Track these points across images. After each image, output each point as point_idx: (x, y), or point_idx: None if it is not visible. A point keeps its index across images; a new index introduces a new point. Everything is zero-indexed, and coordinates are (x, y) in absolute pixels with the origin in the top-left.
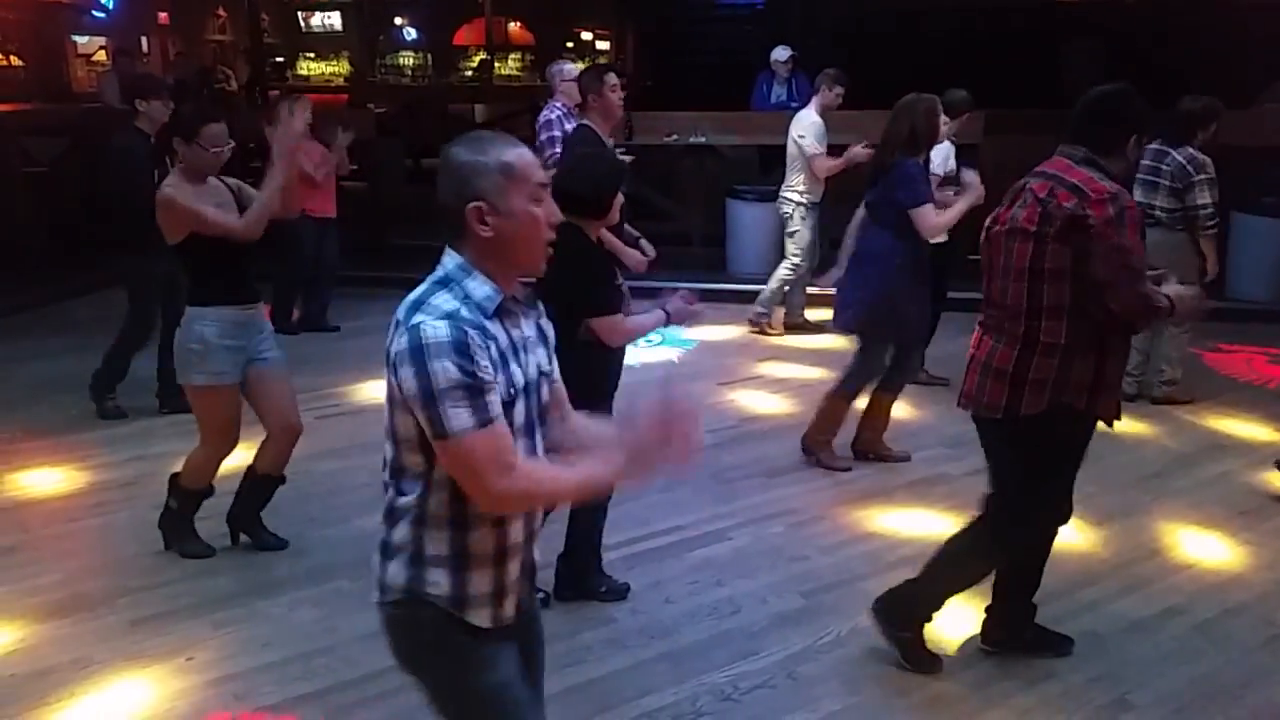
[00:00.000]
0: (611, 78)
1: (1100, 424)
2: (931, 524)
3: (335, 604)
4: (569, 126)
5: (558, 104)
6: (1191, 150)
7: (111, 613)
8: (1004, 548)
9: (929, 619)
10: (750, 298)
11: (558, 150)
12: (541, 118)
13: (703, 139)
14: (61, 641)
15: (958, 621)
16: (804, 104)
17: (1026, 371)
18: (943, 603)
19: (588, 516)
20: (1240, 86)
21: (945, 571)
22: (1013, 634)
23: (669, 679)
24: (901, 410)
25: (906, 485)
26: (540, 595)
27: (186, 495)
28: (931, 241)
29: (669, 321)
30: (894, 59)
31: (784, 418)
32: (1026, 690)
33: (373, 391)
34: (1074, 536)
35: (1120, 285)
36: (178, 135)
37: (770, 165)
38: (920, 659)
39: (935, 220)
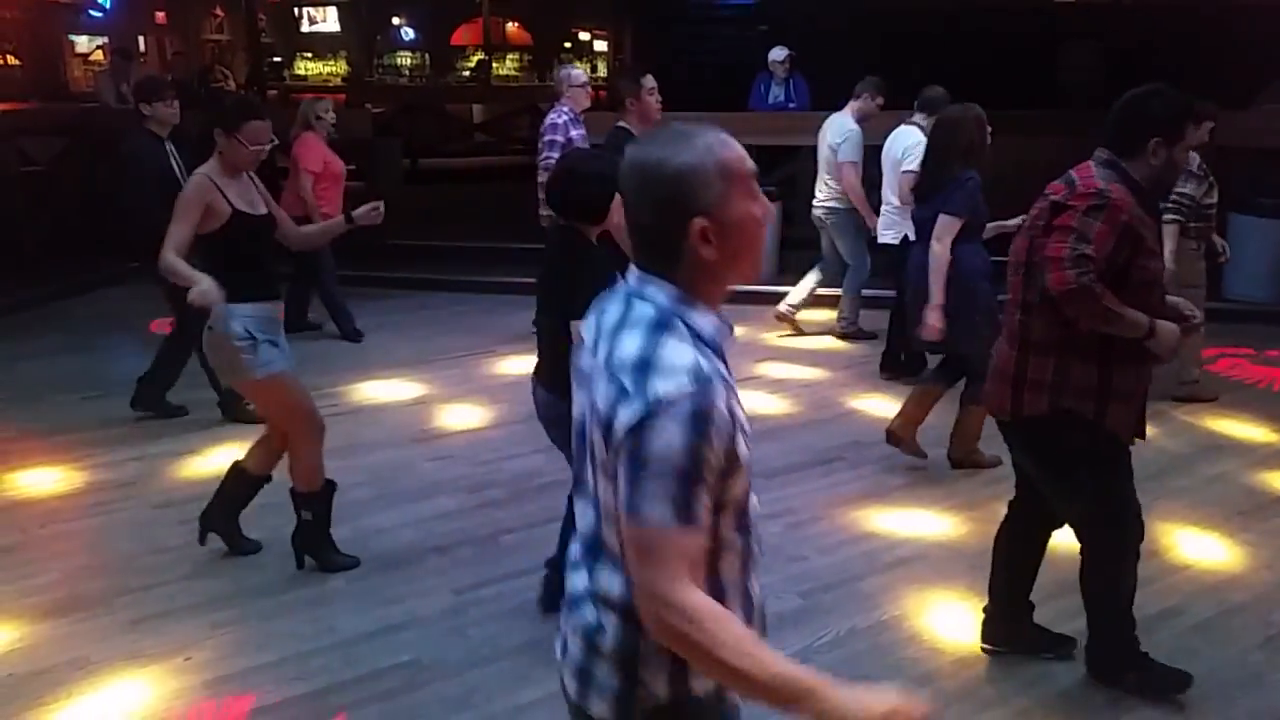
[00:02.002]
0: (649, 80)
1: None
2: (931, 524)
3: (332, 604)
4: (574, 133)
5: (564, 108)
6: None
7: (109, 613)
8: (1106, 555)
9: (1136, 646)
10: (747, 298)
11: (554, 155)
12: (546, 120)
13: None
14: (59, 641)
15: (953, 623)
16: (801, 105)
17: (1025, 371)
18: (1132, 627)
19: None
20: (1236, 88)
21: (1105, 606)
22: (1011, 633)
23: None
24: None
25: (904, 485)
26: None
27: (313, 499)
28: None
29: None
30: (891, 60)
31: (782, 418)
32: (1024, 691)
33: (370, 391)
34: (1071, 538)
35: (1059, 265)
36: (219, 126)
37: (769, 165)
38: (1163, 685)
39: (944, 245)
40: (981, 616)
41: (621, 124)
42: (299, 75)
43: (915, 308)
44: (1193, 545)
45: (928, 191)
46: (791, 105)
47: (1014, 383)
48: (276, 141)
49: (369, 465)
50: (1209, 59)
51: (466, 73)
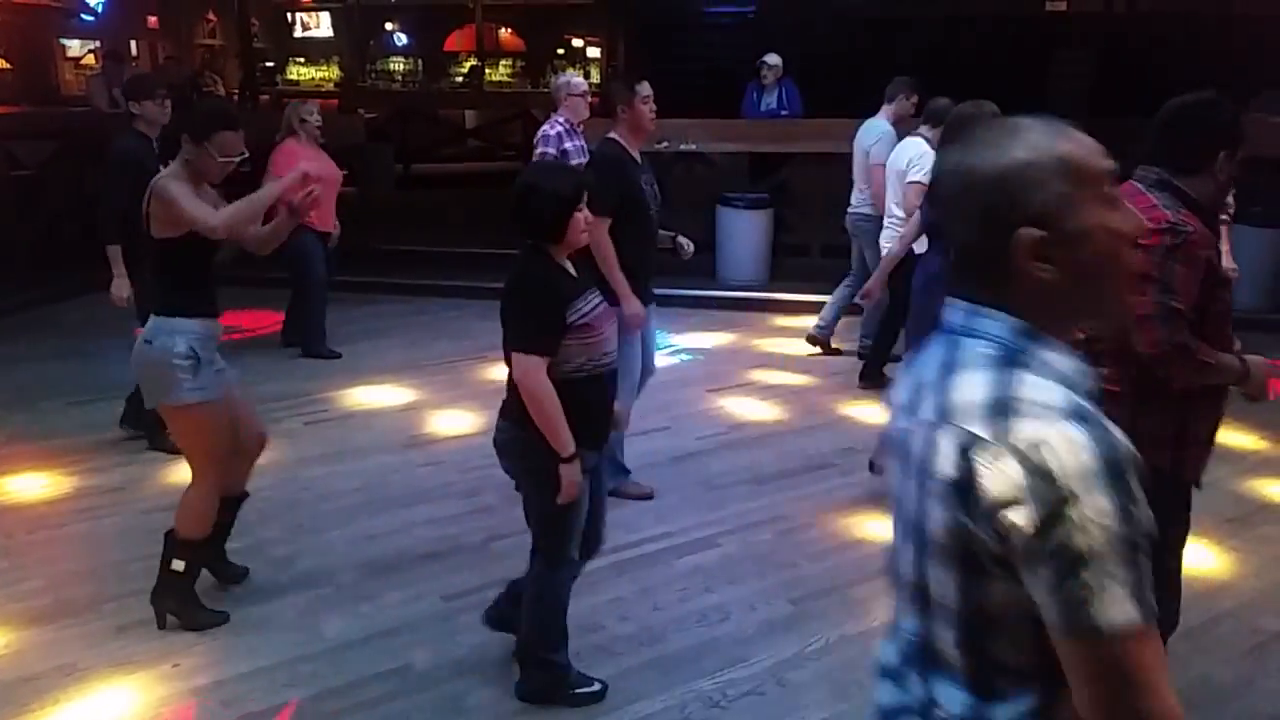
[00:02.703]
0: (644, 88)
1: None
2: None
3: (322, 610)
4: (569, 144)
5: (560, 118)
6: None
7: (98, 619)
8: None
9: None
10: (740, 304)
11: None
12: (541, 131)
13: (693, 146)
14: (46, 648)
15: None
16: (793, 112)
17: None
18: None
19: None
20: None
21: None
22: None
23: (657, 686)
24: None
25: None
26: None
27: (192, 547)
28: None
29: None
30: (884, 68)
31: (774, 425)
32: None
33: (361, 397)
34: None
35: (1149, 324)
36: (187, 132)
37: (760, 172)
38: None
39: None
40: None
41: (611, 135)
42: (291, 80)
43: (920, 321)
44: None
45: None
46: (784, 112)
47: None
48: (247, 154)
49: (360, 471)
50: (1200, 69)
51: (459, 78)
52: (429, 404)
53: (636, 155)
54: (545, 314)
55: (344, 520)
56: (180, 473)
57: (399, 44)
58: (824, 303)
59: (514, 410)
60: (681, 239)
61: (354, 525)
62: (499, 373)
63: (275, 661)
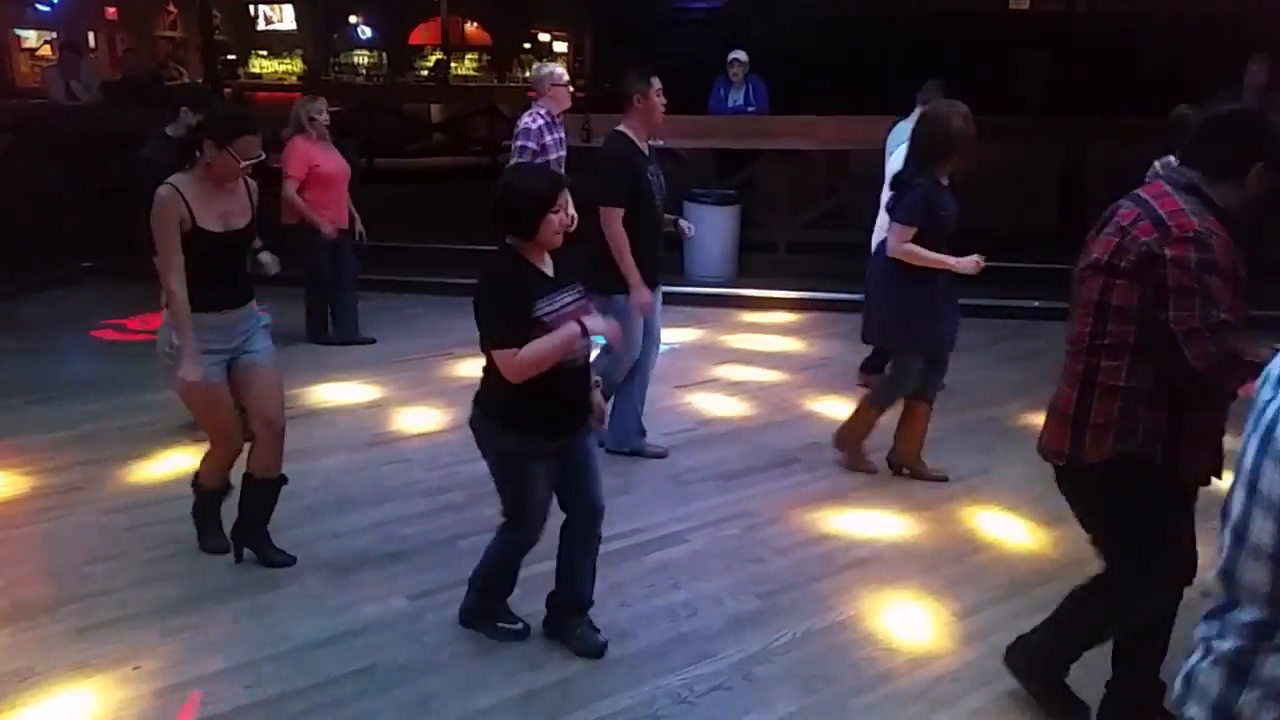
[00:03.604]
0: (657, 81)
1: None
2: (886, 525)
3: (287, 610)
4: (550, 137)
5: (541, 109)
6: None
7: (55, 621)
8: (1116, 613)
9: (1065, 672)
10: (708, 301)
11: (525, 160)
12: (520, 123)
13: (661, 142)
14: (3, 652)
15: (908, 623)
16: (760, 108)
17: (1087, 415)
18: (1077, 656)
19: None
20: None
21: (1073, 625)
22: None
23: (625, 683)
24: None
25: (861, 487)
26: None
27: (204, 494)
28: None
29: (585, 334)
30: (850, 66)
31: (741, 421)
32: (976, 690)
33: (326, 394)
34: (1024, 537)
35: (1199, 338)
36: (211, 137)
37: (727, 169)
38: (1060, 709)
39: (902, 247)
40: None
41: (621, 129)
42: (254, 73)
43: (873, 313)
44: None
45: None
46: (751, 109)
47: (1074, 425)
48: (264, 156)
49: (324, 469)
50: (1159, 70)
51: (424, 72)
52: (395, 401)
53: (644, 148)
54: (512, 311)
55: (308, 519)
56: (139, 471)
57: (363, 37)
58: (792, 299)
59: (483, 398)
60: (682, 222)
61: (318, 524)
62: (466, 369)
63: (239, 662)
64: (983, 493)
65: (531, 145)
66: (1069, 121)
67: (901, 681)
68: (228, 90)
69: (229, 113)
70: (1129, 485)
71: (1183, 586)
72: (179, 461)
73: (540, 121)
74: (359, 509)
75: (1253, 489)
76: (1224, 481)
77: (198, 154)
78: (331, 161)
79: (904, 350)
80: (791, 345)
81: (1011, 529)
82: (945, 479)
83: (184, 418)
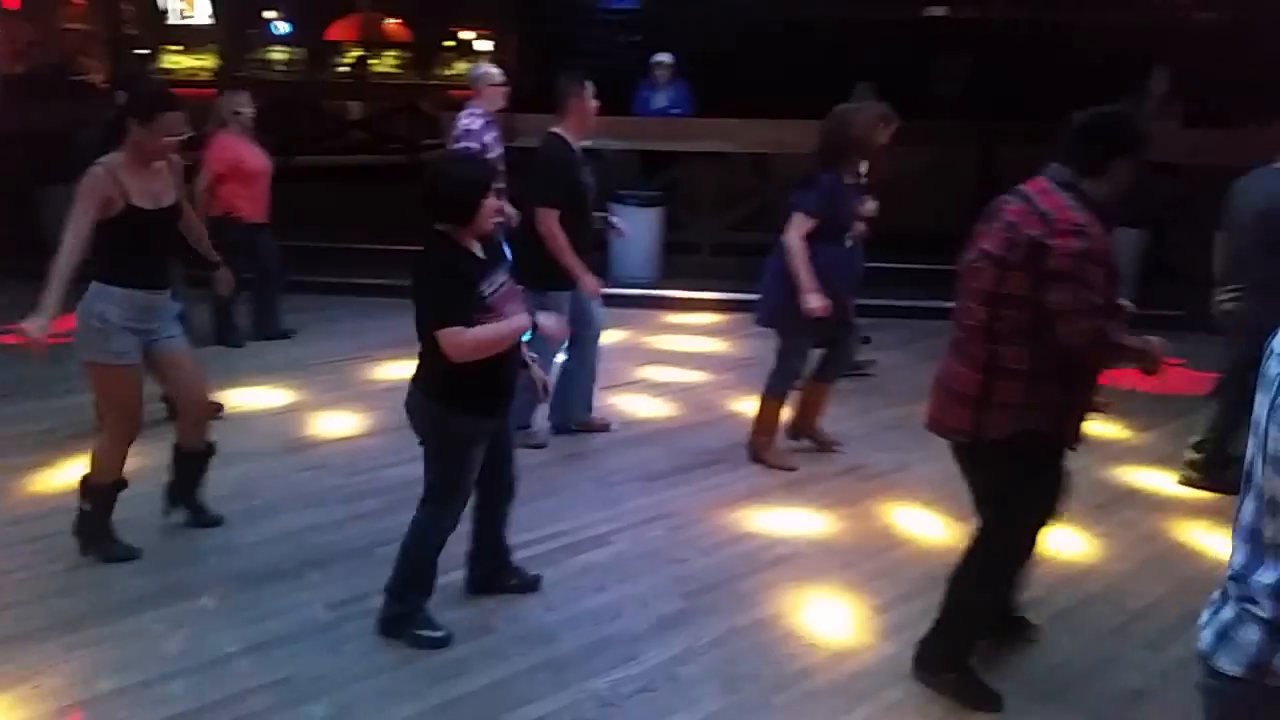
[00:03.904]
0: (590, 83)
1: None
2: (807, 522)
3: (198, 623)
4: (488, 137)
5: (478, 110)
6: None
7: None
8: (1000, 570)
9: (969, 655)
10: (632, 302)
11: None
12: (460, 125)
13: (586, 142)
14: None
15: (827, 619)
16: (685, 111)
17: (991, 395)
18: (975, 636)
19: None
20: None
21: (970, 607)
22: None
23: (549, 687)
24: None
25: (782, 485)
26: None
27: (98, 492)
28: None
29: (535, 331)
30: (772, 70)
31: (664, 421)
32: (895, 684)
33: (238, 399)
34: (940, 532)
35: (1076, 317)
36: (134, 116)
37: (651, 170)
38: (975, 697)
39: (795, 239)
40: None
41: (556, 130)
42: (166, 68)
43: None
44: (1053, 538)
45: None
46: (675, 111)
47: (977, 405)
48: (191, 133)
49: (237, 476)
50: (1069, 76)
51: (343, 69)
52: (310, 405)
53: (578, 149)
54: (457, 293)
55: (220, 528)
56: (39, 482)
57: (280, 32)
58: (716, 300)
59: (423, 380)
60: (613, 219)
61: (230, 533)
62: (386, 372)
63: (147, 678)
64: (900, 489)
65: (475, 145)
66: (983, 125)
67: (823, 677)
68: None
69: (151, 90)
70: (1024, 455)
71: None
72: (82, 470)
73: (480, 121)
74: (273, 517)
75: (1263, 448)
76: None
77: (125, 134)
78: (256, 157)
79: (790, 334)
80: (715, 346)
81: (928, 524)
82: (839, 447)
83: (87, 425)
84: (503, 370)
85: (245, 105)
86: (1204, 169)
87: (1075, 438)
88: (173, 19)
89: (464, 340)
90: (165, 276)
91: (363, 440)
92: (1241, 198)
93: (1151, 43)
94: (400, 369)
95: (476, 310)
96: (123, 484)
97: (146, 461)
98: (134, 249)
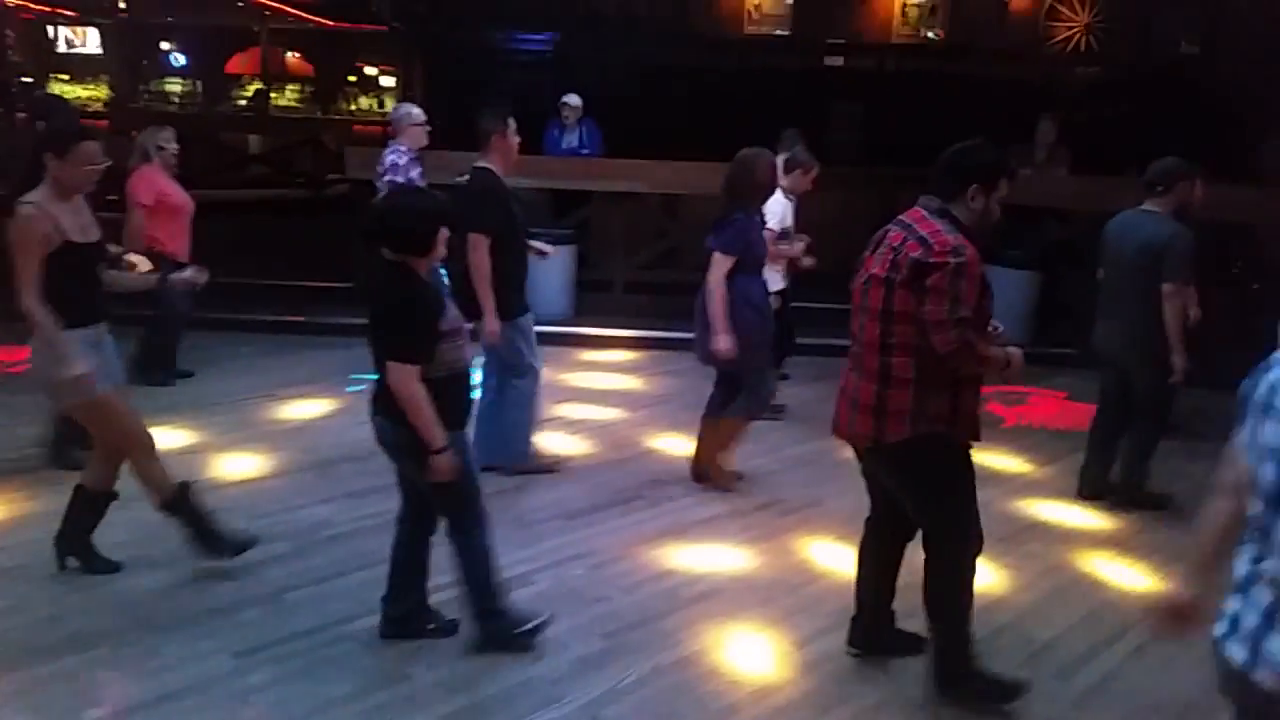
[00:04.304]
0: (512, 121)
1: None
2: (726, 558)
3: (97, 674)
4: (414, 172)
5: (402, 146)
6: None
7: None
8: (955, 563)
9: (974, 657)
10: (546, 339)
11: None
12: (386, 160)
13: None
14: None
15: (750, 654)
16: (594, 150)
17: (885, 403)
18: (969, 635)
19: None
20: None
21: (949, 614)
22: (875, 638)
23: None
24: (694, 449)
25: (701, 521)
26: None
27: (188, 502)
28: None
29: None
30: (676, 112)
31: (582, 459)
32: (817, 718)
33: None
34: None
35: (944, 328)
36: (49, 150)
37: (563, 209)
38: (1004, 692)
39: (716, 280)
40: (849, 625)
41: (482, 164)
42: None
43: (701, 330)
44: None
45: (718, 219)
46: (585, 151)
47: (875, 413)
48: (110, 162)
49: (134, 521)
50: (963, 123)
51: (242, 102)
52: (212, 446)
53: (506, 182)
54: (424, 328)
55: (118, 575)
56: None
57: (176, 64)
58: (629, 338)
59: (393, 408)
60: (539, 244)
61: (130, 580)
62: (290, 412)
63: None
64: (815, 523)
65: (400, 179)
66: (880, 171)
67: (747, 714)
68: (22, 115)
69: (60, 122)
70: (928, 456)
71: (974, 555)
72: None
73: (405, 158)
74: (174, 564)
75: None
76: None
77: (42, 170)
78: (179, 193)
79: (746, 365)
80: (629, 383)
81: (843, 558)
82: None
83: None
84: (458, 386)
85: (169, 141)
86: (1089, 214)
87: (972, 436)
88: (60, 47)
89: (413, 391)
90: (100, 309)
91: (267, 482)
92: (1117, 238)
93: (1037, 94)
94: (306, 408)
95: (438, 342)
96: (114, 495)
97: (38, 506)
98: (72, 287)
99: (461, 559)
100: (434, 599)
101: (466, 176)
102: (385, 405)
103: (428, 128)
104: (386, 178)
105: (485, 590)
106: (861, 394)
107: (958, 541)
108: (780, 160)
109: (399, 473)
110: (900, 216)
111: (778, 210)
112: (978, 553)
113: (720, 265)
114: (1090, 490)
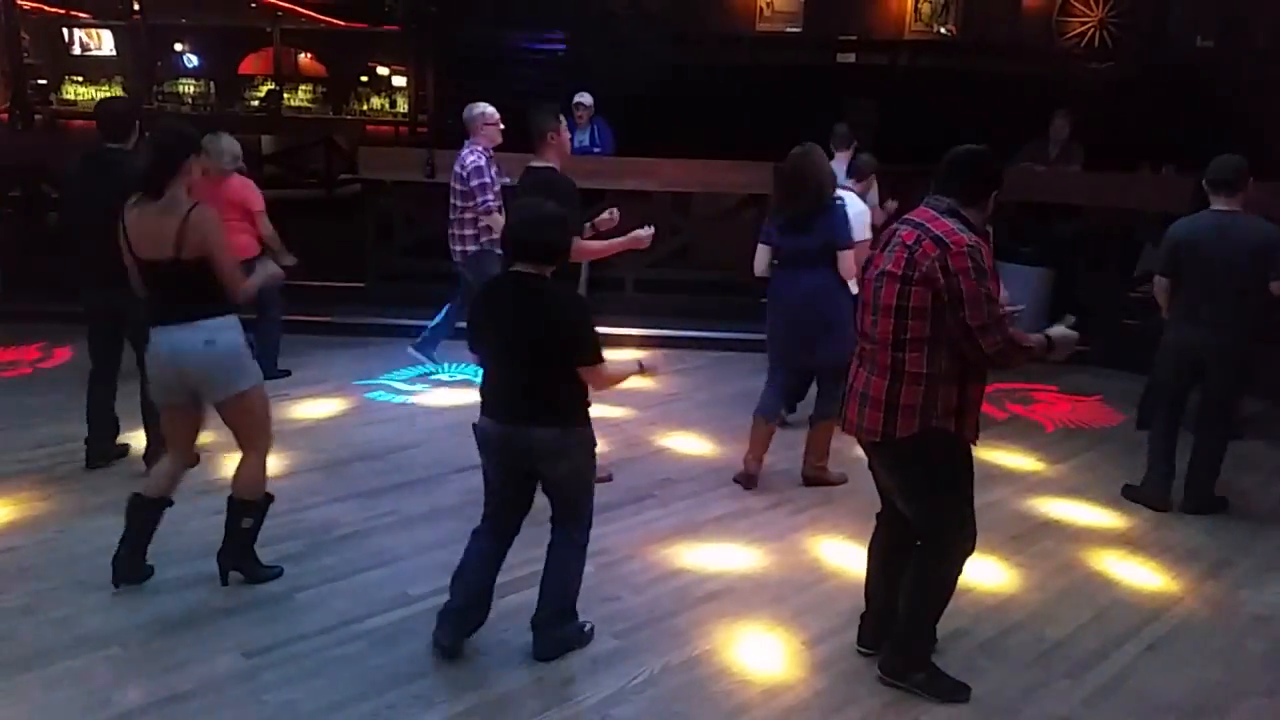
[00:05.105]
0: (563, 117)
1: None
2: (737, 557)
3: (107, 674)
4: (493, 173)
5: (479, 146)
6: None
7: None
8: (949, 559)
9: (931, 651)
10: None
11: (490, 199)
12: (469, 162)
13: (506, 179)
14: None
15: (760, 654)
16: (605, 149)
17: (897, 398)
18: (933, 631)
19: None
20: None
21: (926, 609)
22: (885, 636)
23: None
24: (706, 448)
25: (712, 520)
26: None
27: (256, 507)
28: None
29: (641, 372)
30: (690, 111)
31: None
32: (826, 717)
33: (144, 440)
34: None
35: (991, 330)
36: (194, 152)
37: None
38: (946, 690)
39: (853, 270)
40: (859, 624)
41: (549, 164)
42: (68, 100)
43: (817, 331)
44: (974, 569)
45: (801, 219)
46: (596, 150)
47: (886, 408)
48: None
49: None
50: (977, 120)
51: (255, 103)
52: (222, 446)
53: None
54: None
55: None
56: None
57: (189, 65)
58: (640, 336)
59: (559, 414)
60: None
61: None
62: (301, 411)
63: None
64: (826, 522)
65: (488, 181)
66: (893, 168)
67: (757, 712)
68: (39, 117)
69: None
70: (935, 451)
71: (967, 553)
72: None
73: (484, 158)
74: (185, 563)
75: None
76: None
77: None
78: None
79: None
80: (640, 382)
81: (854, 557)
82: (846, 480)
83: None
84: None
85: (235, 146)
86: (1103, 210)
87: (974, 434)
88: (75, 50)
89: (610, 373)
90: None
91: (279, 482)
92: (1215, 241)
93: (1051, 91)
94: (317, 407)
95: None
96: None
97: (53, 506)
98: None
99: (569, 554)
100: (444, 599)
101: (514, 179)
102: (551, 414)
103: (501, 125)
104: (475, 181)
105: (575, 591)
106: (872, 389)
107: (955, 538)
108: (844, 163)
109: (504, 490)
110: (909, 216)
111: (865, 217)
112: (970, 552)
113: (849, 256)
114: (1167, 503)
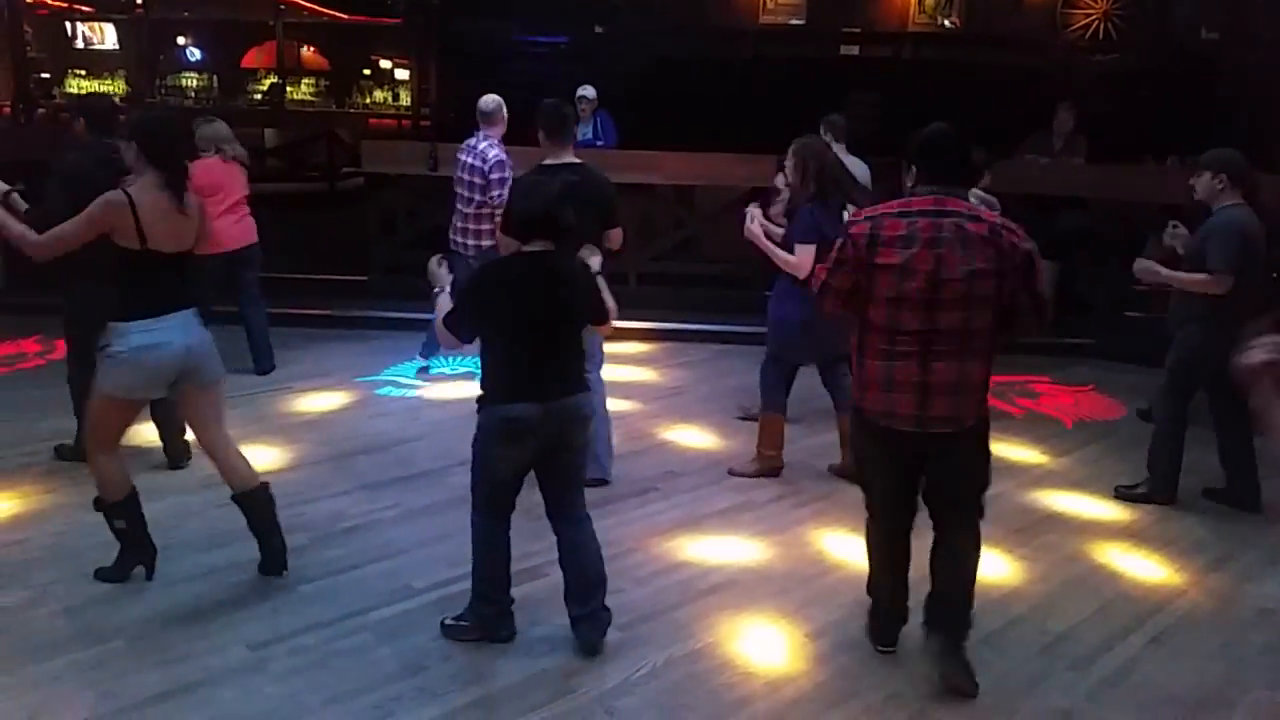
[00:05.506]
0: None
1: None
2: (740, 550)
3: (115, 666)
4: (510, 164)
5: (494, 136)
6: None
7: None
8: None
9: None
10: None
11: (504, 193)
12: (491, 155)
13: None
14: None
15: (763, 646)
16: (609, 143)
17: (970, 387)
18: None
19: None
20: (1001, 139)
21: (974, 572)
22: (897, 632)
23: None
24: (709, 441)
25: (716, 514)
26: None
27: (265, 484)
28: None
29: None
30: (694, 104)
31: None
32: (831, 710)
33: (150, 434)
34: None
35: (1046, 304)
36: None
37: None
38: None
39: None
40: (867, 620)
41: (576, 159)
42: (71, 93)
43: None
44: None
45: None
46: (600, 143)
47: (980, 392)
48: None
49: (151, 514)
50: (978, 113)
51: (258, 96)
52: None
53: None
54: None
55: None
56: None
57: (192, 59)
58: (643, 329)
59: (583, 379)
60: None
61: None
62: (307, 404)
63: None
64: (829, 515)
65: (508, 174)
66: (897, 160)
67: (760, 705)
68: (42, 110)
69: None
70: (986, 435)
71: None
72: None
73: (503, 149)
74: (191, 555)
75: None
76: None
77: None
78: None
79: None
80: (644, 375)
81: (857, 550)
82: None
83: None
84: None
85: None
86: (1107, 203)
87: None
88: (78, 44)
89: (613, 317)
90: None
91: (284, 474)
92: (1262, 238)
93: (1055, 83)
94: (322, 400)
95: None
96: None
97: (59, 499)
98: None
99: (592, 531)
100: (449, 591)
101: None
102: (580, 380)
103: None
104: (497, 174)
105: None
106: (971, 378)
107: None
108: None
109: (515, 481)
110: (947, 209)
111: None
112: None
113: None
114: (1174, 496)
